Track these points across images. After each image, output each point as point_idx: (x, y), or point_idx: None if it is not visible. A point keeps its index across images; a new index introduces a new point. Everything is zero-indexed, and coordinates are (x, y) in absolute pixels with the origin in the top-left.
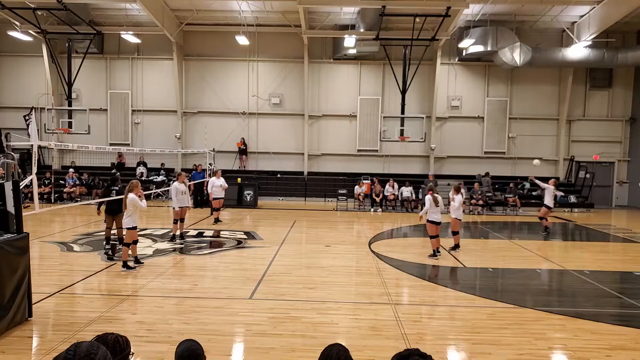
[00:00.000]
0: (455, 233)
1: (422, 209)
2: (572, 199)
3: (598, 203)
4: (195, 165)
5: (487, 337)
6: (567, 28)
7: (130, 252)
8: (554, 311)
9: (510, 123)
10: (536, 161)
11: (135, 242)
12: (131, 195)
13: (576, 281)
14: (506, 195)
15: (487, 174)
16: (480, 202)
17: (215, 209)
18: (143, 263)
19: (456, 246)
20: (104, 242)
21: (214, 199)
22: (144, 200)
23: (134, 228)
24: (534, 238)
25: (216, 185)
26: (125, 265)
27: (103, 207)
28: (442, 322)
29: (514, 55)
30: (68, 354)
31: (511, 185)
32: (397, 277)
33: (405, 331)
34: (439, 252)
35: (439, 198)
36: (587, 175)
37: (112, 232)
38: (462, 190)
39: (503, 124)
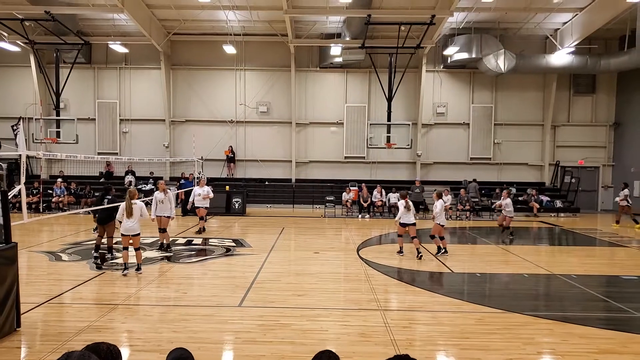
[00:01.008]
0: (434, 237)
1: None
2: (558, 203)
3: (584, 207)
4: (182, 173)
5: (476, 342)
6: (551, 35)
7: (122, 258)
8: (542, 316)
9: (495, 129)
10: None
11: (126, 248)
12: (140, 203)
13: (564, 285)
14: (492, 201)
15: (473, 180)
16: (467, 207)
17: (200, 218)
18: (129, 270)
19: (443, 251)
20: (93, 251)
21: (197, 207)
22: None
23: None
24: (521, 243)
25: (197, 194)
26: (139, 268)
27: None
28: (430, 327)
29: (499, 62)
30: None
31: (497, 190)
32: (386, 283)
33: (394, 337)
34: (401, 252)
35: (411, 204)
36: (573, 180)
37: (103, 240)
38: (445, 197)
39: (488, 130)
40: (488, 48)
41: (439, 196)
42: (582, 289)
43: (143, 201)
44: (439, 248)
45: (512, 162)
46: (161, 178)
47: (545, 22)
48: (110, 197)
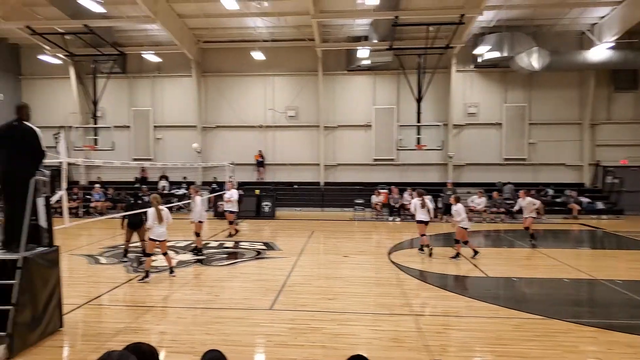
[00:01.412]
0: (457, 242)
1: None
2: (600, 205)
3: (628, 209)
4: (215, 177)
5: (513, 349)
6: (587, 30)
7: (145, 265)
8: (584, 323)
9: (530, 129)
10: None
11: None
12: (165, 208)
13: (608, 291)
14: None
15: (508, 182)
16: (502, 210)
17: (229, 222)
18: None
19: (474, 253)
20: (123, 255)
21: (225, 212)
22: None
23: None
24: (560, 246)
25: (225, 199)
26: (172, 271)
27: (126, 221)
28: (465, 333)
29: (532, 60)
30: None
31: (532, 192)
32: (418, 287)
33: (427, 343)
34: (422, 250)
35: (428, 202)
36: (615, 181)
37: (131, 245)
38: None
39: (522, 130)
40: (520, 46)
41: (458, 200)
42: (629, 295)
43: (175, 206)
44: (475, 251)
45: (549, 162)
46: (193, 183)
47: (581, 17)
48: (141, 201)
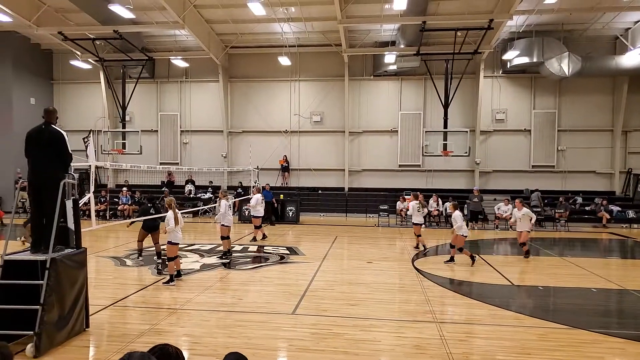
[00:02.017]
0: (452, 247)
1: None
2: (631, 214)
3: None
4: (240, 182)
5: (538, 358)
6: (621, 35)
7: (175, 267)
8: (612, 334)
9: (559, 135)
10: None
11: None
12: (179, 212)
13: (637, 302)
14: (556, 210)
15: (536, 190)
16: None
17: (255, 227)
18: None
19: (473, 259)
20: (138, 256)
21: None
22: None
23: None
24: (587, 255)
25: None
26: (179, 274)
27: (139, 223)
28: (489, 341)
29: (562, 65)
30: None
31: (561, 199)
32: (442, 294)
33: (450, 350)
34: (424, 248)
35: (420, 205)
36: None
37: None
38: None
39: (551, 136)
40: (550, 51)
41: (456, 207)
42: None
43: (201, 209)
44: (472, 258)
45: (578, 170)
46: (219, 187)
47: (614, 21)
48: (158, 205)
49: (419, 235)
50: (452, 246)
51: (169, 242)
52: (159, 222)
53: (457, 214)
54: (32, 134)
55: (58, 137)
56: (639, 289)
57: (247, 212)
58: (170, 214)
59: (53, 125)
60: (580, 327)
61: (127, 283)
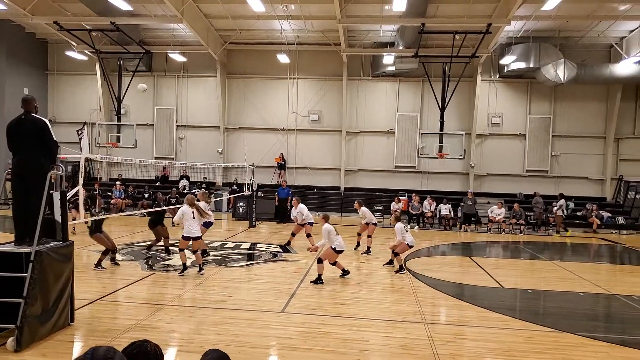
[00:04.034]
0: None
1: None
2: (621, 220)
3: None
4: (235, 179)
5: None
6: (616, 43)
7: (195, 259)
8: (597, 337)
9: (553, 141)
10: (141, 85)
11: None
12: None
13: (623, 307)
14: (548, 215)
15: (535, 193)
16: (522, 221)
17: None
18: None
19: (394, 266)
20: (146, 249)
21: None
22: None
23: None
24: (577, 260)
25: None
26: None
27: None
28: (476, 343)
29: (558, 71)
30: (85, 358)
31: (554, 204)
32: (432, 295)
33: (437, 351)
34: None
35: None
36: (638, 196)
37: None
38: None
39: (546, 141)
40: (547, 57)
41: (398, 219)
42: None
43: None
44: (400, 267)
45: (571, 175)
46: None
47: (609, 30)
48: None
49: (369, 236)
50: (395, 252)
51: (194, 238)
52: (162, 217)
53: (399, 226)
54: (12, 125)
55: (41, 125)
56: (626, 294)
57: (241, 209)
58: (185, 209)
59: (33, 114)
60: (566, 331)
61: (116, 278)
